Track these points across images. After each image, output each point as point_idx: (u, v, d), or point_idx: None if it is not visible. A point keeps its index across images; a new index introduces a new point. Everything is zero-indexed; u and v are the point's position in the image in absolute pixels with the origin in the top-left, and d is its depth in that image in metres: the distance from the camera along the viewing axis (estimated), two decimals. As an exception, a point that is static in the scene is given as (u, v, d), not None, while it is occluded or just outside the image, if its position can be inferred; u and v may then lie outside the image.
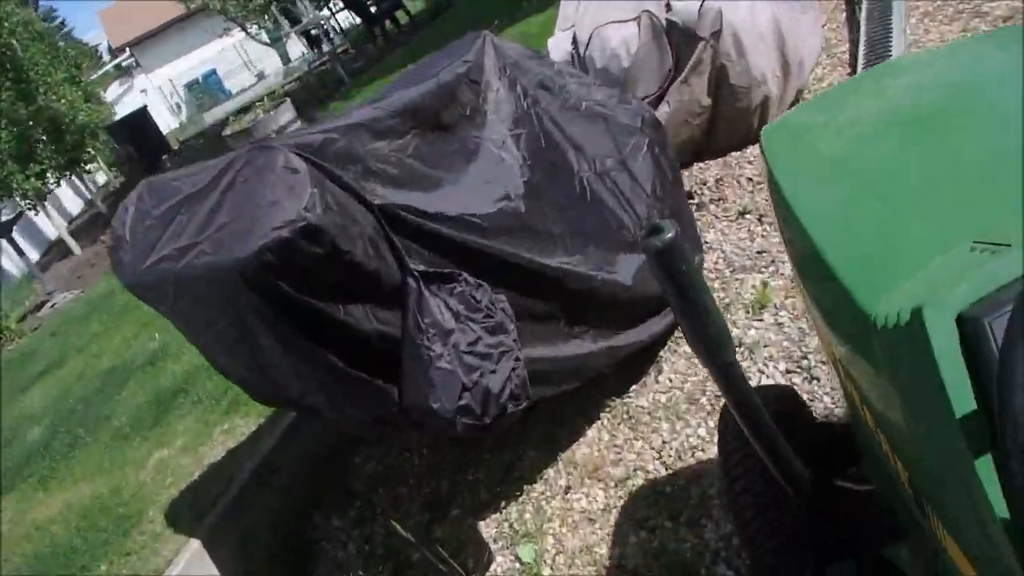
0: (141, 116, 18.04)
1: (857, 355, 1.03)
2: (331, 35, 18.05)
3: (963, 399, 0.75)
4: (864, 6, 4.77)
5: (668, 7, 3.92)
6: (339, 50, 14.22)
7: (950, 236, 0.93)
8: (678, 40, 3.88)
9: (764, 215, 3.37)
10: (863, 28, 4.53)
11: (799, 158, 1.38)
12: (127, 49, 27.96)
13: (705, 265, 3.19)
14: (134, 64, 28.06)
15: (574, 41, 4.16)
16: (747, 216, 3.42)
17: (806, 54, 4.24)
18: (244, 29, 22.01)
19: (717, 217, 3.55)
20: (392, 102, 2.23)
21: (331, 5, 16.91)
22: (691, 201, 3.71)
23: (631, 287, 2.64)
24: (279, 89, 16.59)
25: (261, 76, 25.88)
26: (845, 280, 1.01)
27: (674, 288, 0.98)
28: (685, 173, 3.97)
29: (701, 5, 3.79)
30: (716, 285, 3.11)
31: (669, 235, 0.94)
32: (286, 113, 9.40)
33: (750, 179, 3.68)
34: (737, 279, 3.07)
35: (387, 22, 15.11)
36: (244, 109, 10.44)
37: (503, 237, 2.22)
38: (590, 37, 4.08)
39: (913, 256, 0.95)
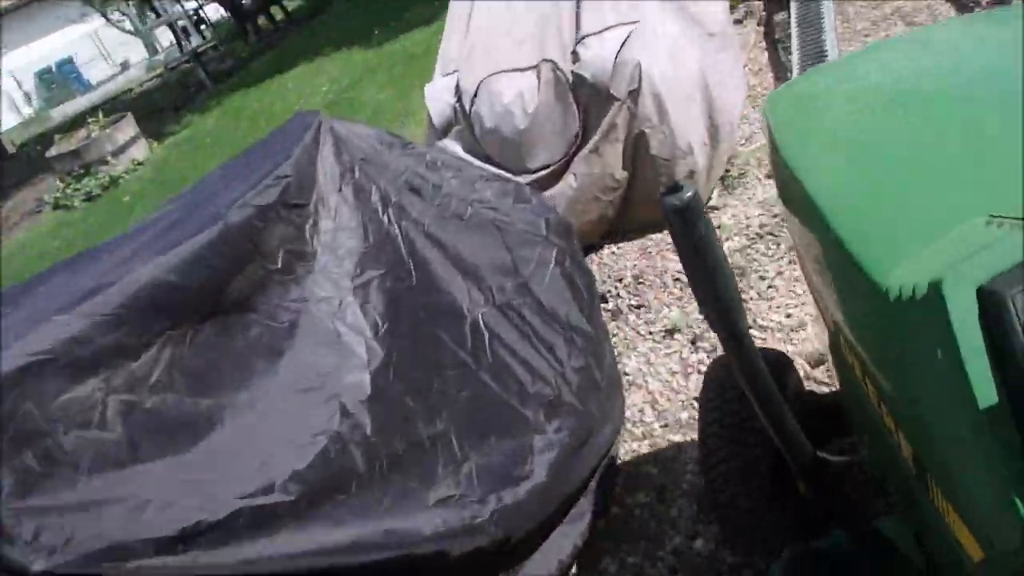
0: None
1: (866, 326, 1.01)
2: (201, 28, 16.31)
3: (982, 373, 0.73)
4: (794, 45, 4.12)
5: (575, 57, 3.09)
6: (201, 49, 12.64)
7: (964, 209, 0.90)
8: (587, 98, 3.06)
9: (700, 335, 2.60)
10: (795, 71, 3.87)
11: (805, 126, 1.34)
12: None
13: (626, 414, 2.38)
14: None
15: (458, 91, 3.27)
16: (677, 336, 2.65)
17: (733, 108, 3.52)
18: (104, 15, 19.75)
19: (638, 333, 2.76)
20: (128, 287, 1.25)
21: (195, -2, 15.21)
22: (604, 307, 2.90)
23: (546, 488, 1.80)
24: (135, 88, 14.81)
25: (126, 66, 23.50)
26: (856, 251, 0.97)
27: (690, 249, 0.96)
28: (595, 262, 3.17)
29: (616, 56, 2.99)
30: (641, 448, 2.31)
31: (688, 194, 0.92)
32: (125, 131, 8.00)
33: (677, 277, 2.91)
34: (672, 440, 2.28)
35: (260, 18, 13.67)
36: (77, 121, 8.90)
37: (323, 514, 1.29)
38: (478, 88, 3.20)
39: (926, 228, 0.92)
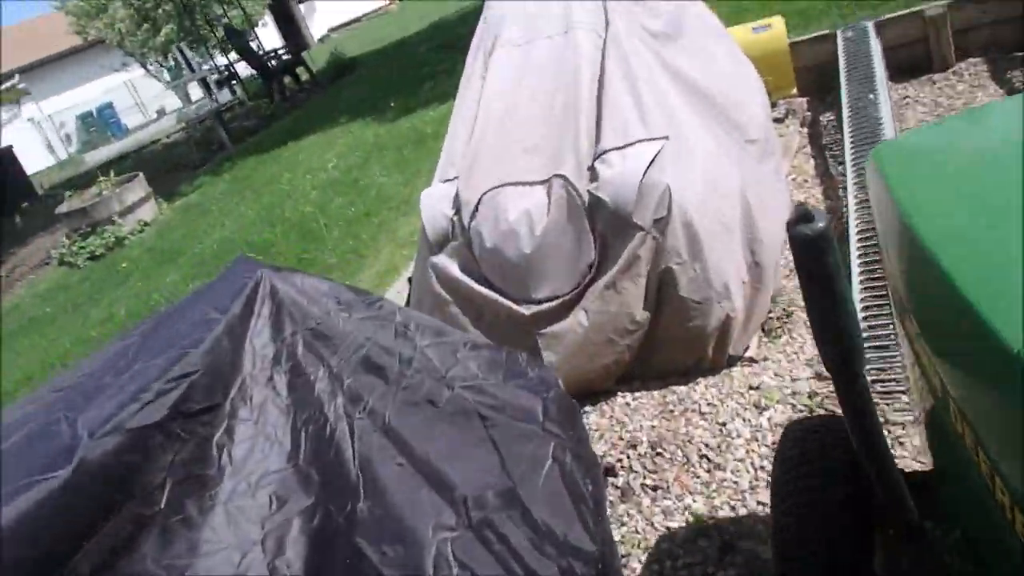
0: (3, 154, 15.71)
1: (989, 393, 0.94)
2: (232, 83, 16.33)
3: None
4: (847, 154, 3.61)
5: (592, 173, 2.60)
6: (226, 105, 12.51)
7: None
8: (604, 224, 2.56)
9: (731, 540, 2.03)
10: (850, 189, 3.34)
11: (922, 181, 1.24)
12: (15, 75, 25.31)
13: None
14: (23, 90, 25.42)
15: (456, 202, 2.79)
16: (701, 541, 2.07)
17: (776, 237, 3.01)
18: (144, 65, 20.03)
19: (652, 524, 2.19)
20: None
21: (229, 55, 15.22)
22: (612, 482, 2.34)
23: None
24: (163, 139, 14.73)
25: (162, 113, 23.80)
26: (983, 311, 0.88)
27: (818, 285, 0.92)
28: (605, 415, 2.62)
29: (641, 178, 2.49)
30: None
31: (820, 224, 0.86)
32: (135, 191, 7.69)
33: (704, 454, 2.35)
34: None
35: (286, 78, 13.60)
36: (89, 180, 8.64)
37: None
38: (479, 201, 2.72)
39: None
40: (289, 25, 27.67)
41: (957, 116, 1.79)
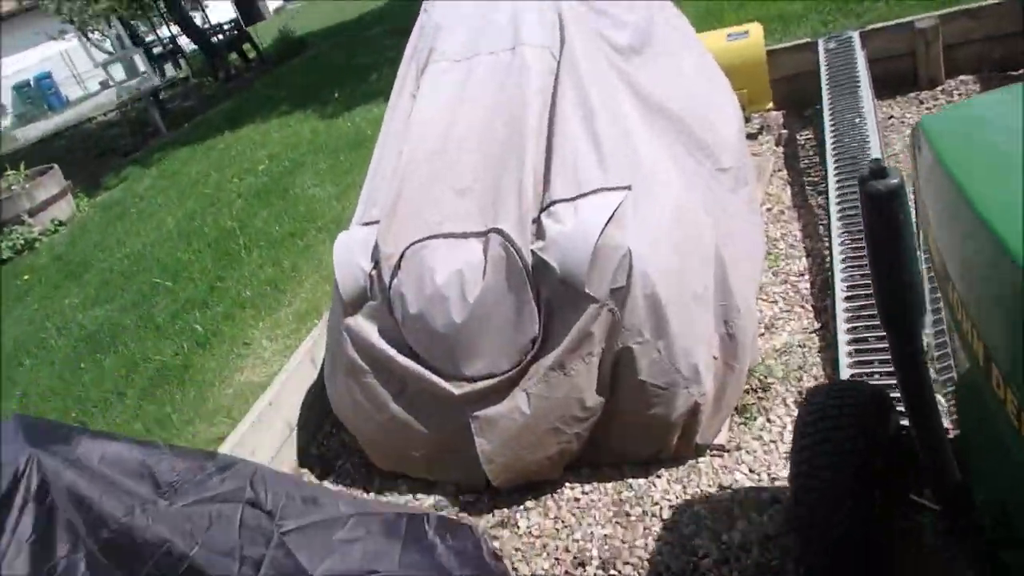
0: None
1: None
2: (177, 57, 15.42)
3: None
4: (830, 181, 3.21)
5: (538, 228, 2.16)
6: (163, 86, 11.71)
7: None
8: (551, 293, 2.13)
9: None
10: (833, 225, 2.95)
11: (974, 151, 1.25)
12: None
13: None
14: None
15: (376, 255, 2.33)
16: None
17: (751, 293, 2.61)
18: (85, 34, 18.90)
19: None
20: None
21: (172, 28, 14.32)
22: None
23: None
24: (99, 117, 13.83)
25: (106, 85, 22.62)
26: None
27: (887, 240, 0.90)
28: (548, 515, 2.21)
29: (596, 239, 2.06)
30: None
31: (895, 180, 0.86)
32: (49, 187, 7.00)
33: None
34: None
35: (232, 55, 12.84)
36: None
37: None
38: (402, 256, 2.26)
39: None
40: (241, -5, 26.57)
41: (1005, 88, 1.65)
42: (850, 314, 2.48)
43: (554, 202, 2.17)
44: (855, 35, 4.19)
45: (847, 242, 2.86)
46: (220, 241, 4.27)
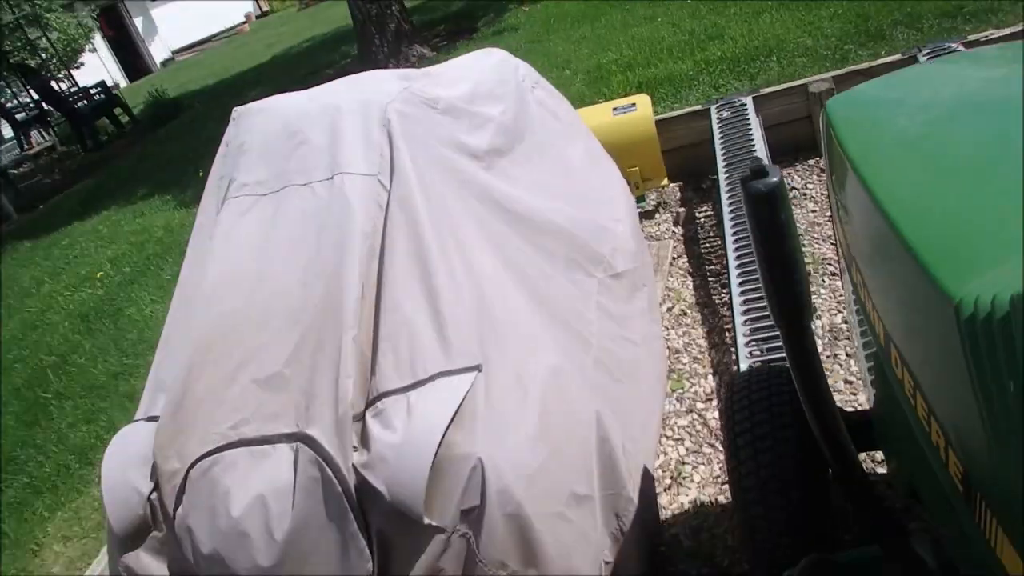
0: None
1: (926, 340, 0.98)
2: (45, 123, 14.31)
3: None
4: (732, 270, 2.79)
5: (362, 433, 1.64)
6: (20, 160, 10.75)
7: None
8: (384, 522, 1.61)
9: None
10: (737, 317, 2.53)
11: (873, 135, 1.28)
12: None
13: None
14: None
15: (155, 474, 1.76)
16: None
17: (651, 462, 2.17)
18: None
19: None
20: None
21: (30, 91, 13.28)
22: None
23: None
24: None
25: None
26: (927, 261, 0.92)
27: (770, 237, 0.93)
28: None
29: (436, 447, 1.56)
30: None
31: (774, 179, 0.89)
32: None
33: None
34: None
35: (103, 119, 11.94)
36: None
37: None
38: (186, 475, 1.71)
39: (1002, 243, 0.88)
40: (124, 49, 25.34)
41: (909, 69, 1.66)
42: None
43: (381, 395, 1.66)
44: (748, 100, 3.90)
45: (756, 353, 2.47)
46: (31, 384, 3.57)
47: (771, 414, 1.49)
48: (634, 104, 3.75)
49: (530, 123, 2.63)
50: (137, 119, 11.83)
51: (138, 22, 25.79)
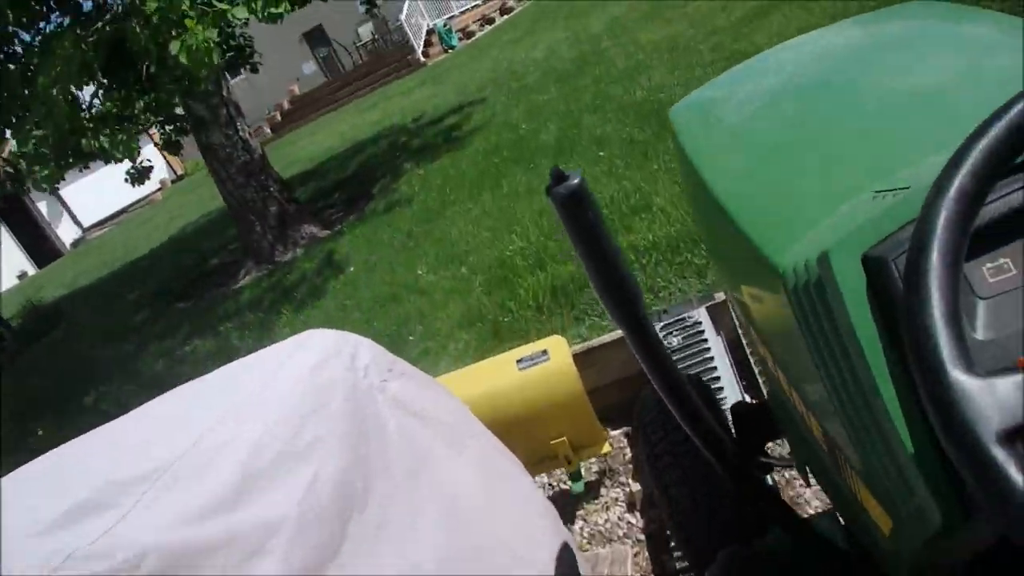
0: None
1: (769, 313, 1.02)
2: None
3: (872, 340, 0.75)
4: None
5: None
6: None
7: (851, 189, 0.92)
8: None
9: None
10: None
11: (706, 132, 1.37)
12: None
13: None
14: None
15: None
16: None
17: None
18: None
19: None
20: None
21: None
22: None
23: None
24: None
25: None
26: (753, 238, 0.97)
27: (582, 236, 0.92)
28: None
29: None
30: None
31: (575, 181, 0.89)
32: None
33: None
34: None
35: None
36: None
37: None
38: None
39: (817, 210, 0.93)
40: (30, 235, 24.00)
41: (740, 66, 1.59)
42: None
43: None
44: (702, 313, 2.82)
45: None
46: None
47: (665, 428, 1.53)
48: (545, 351, 2.60)
49: (379, 458, 1.51)
50: (15, 330, 10.41)
51: (42, 206, 24.55)
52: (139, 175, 9.64)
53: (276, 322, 5.09)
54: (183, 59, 4.25)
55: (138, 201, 26.04)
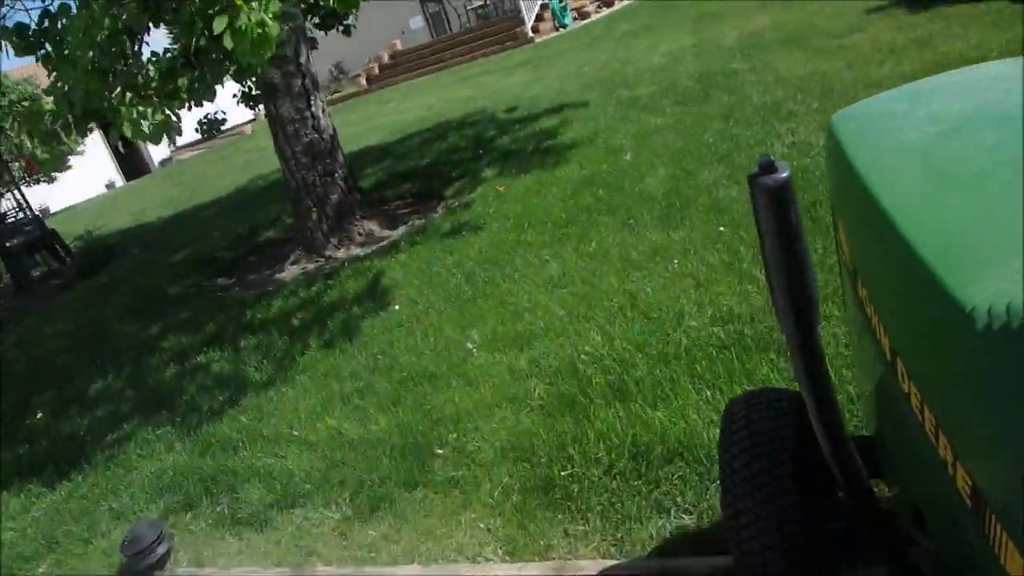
0: None
1: (936, 350, 0.94)
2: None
3: None
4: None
5: None
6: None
7: None
8: None
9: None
10: None
11: (879, 147, 1.26)
12: None
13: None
14: None
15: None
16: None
17: None
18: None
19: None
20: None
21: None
22: None
23: None
24: None
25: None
26: (937, 271, 0.89)
27: (779, 235, 0.88)
28: None
29: None
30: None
31: (784, 175, 0.85)
32: None
33: None
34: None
35: (38, 256, 10.15)
36: None
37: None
38: None
39: (1012, 250, 0.86)
40: (123, 145, 24.14)
41: (913, 84, 1.47)
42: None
43: None
44: None
45: None
46: None
47: (769, 437, 1.46)
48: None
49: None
50: (73, 256, 10.02)
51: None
52: (210, 126, 9.00)
53: (296, 363, 4.25)
54: (227, 42, 3.38)
55: (229, 129, 25.90)
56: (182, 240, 8.85)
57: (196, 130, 8.84)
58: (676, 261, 3.89)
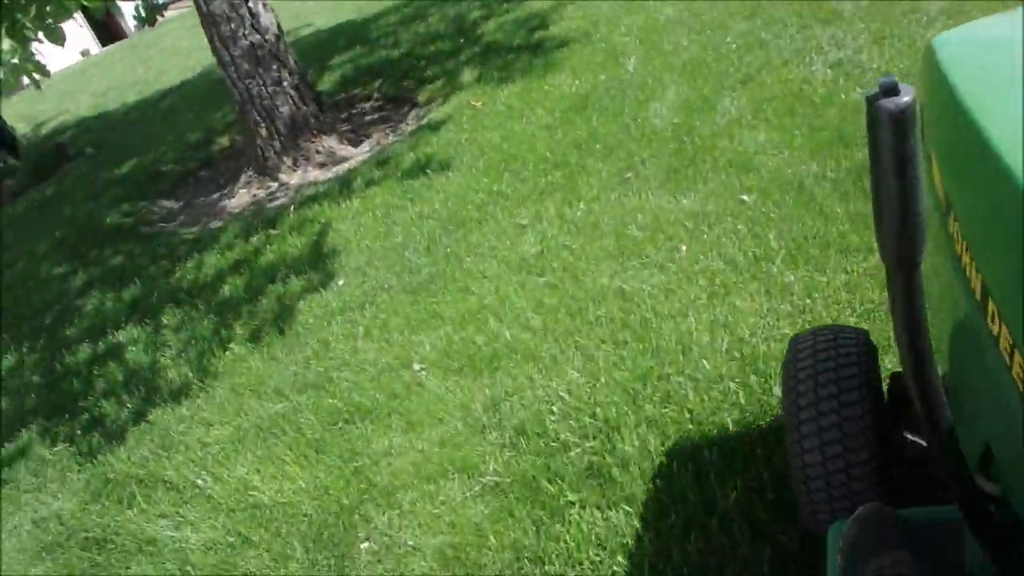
0: None
1: None
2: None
3: None
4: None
5: None
6: None
7: None
8: None
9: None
10: None
11: (983, 73, 1.16)
12: None
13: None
14: None
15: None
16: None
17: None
18: None
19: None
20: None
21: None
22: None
23: None
24: None
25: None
26: None
27: (897, 165, 0.79)
28: None
29: None
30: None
31: (907, 99, 0.75)
32: None
33: None
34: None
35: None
36: None
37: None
38: None
39: None
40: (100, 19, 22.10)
41: (1009, 12, 1.29)
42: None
43: None
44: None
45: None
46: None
47: (837, 375, 1.46)
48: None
49: None
50: (25, 157, 9.05)
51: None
52: (148, 13, 7.71)
53: (217, 361, 3.47)
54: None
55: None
56: (134, 143, 7.84)
57: (134, 17, 7.59)
58: (684, 246, 2.97)
